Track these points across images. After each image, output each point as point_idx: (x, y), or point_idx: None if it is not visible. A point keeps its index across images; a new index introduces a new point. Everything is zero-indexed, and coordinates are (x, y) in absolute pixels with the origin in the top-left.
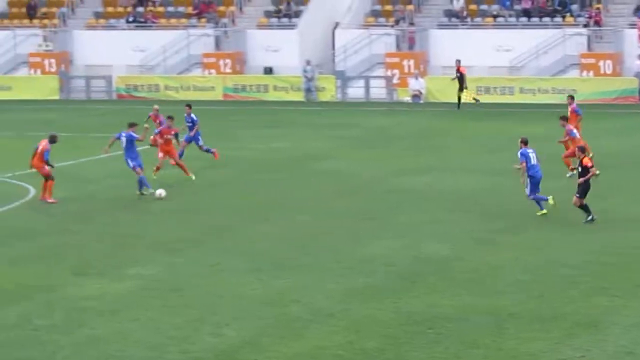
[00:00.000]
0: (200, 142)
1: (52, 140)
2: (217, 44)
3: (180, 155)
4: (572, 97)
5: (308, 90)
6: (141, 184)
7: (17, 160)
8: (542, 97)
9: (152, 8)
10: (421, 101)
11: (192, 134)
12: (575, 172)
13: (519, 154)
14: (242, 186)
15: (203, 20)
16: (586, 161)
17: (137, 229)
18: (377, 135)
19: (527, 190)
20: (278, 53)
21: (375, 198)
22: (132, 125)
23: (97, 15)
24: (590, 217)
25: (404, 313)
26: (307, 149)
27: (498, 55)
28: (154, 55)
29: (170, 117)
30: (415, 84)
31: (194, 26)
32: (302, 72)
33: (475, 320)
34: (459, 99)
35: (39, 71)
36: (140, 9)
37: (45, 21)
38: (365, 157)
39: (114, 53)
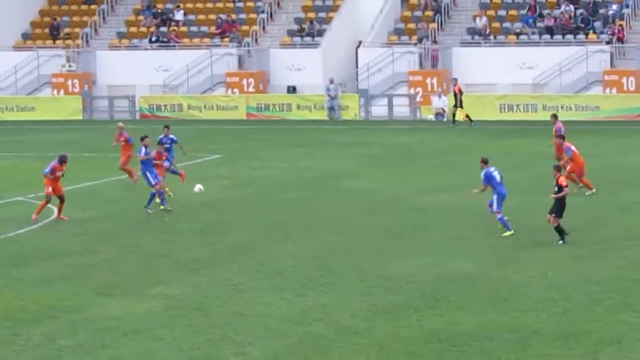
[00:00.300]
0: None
1: (62, 160)
2: (240, 63)
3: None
4: (555, 116)
5: (331, 109)
6: (162, 198)
7: (39, 181)
8: (566, 114)
9: (175, 28)
10: (444, 119)
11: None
12: (592, 190)
13: (482, 175)
14: (266, 205)
15: (226, 39)
16: (561, 180)
17: (160, 248)
18: (400, 153)
19: (495, 207)
20: (301, 72)
21: (399, 216)
22: (143, 138)
23: (120, 36)
24: (562, 240)
25: (428, 331)
26: (330, 168)
27: (521, 73)
28: (177, 75)
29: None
30: (438, 102)
31: (217, 45)
32: (326, 91)
33: (498, 337)
34: (454, 115)
35: (62, 92)
36: (163, 29)
37: (69, 42)
38: (388, 175)
39: (137, 73)
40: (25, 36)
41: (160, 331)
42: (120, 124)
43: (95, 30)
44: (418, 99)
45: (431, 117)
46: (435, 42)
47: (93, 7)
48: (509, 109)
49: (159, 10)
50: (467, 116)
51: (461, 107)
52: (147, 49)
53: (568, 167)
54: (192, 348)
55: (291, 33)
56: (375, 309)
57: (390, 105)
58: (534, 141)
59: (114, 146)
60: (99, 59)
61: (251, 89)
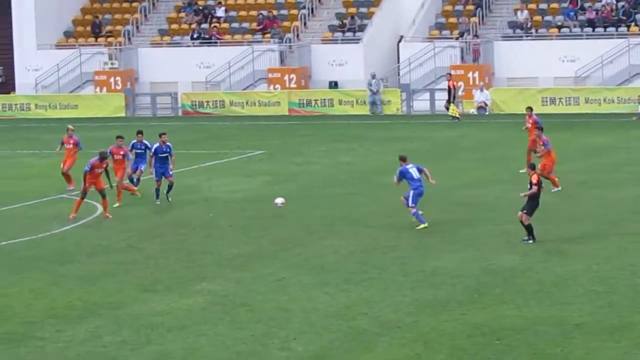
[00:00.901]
0: (142, 169)
1: (102, 157)
2: (282, 59)
3: (132, 180)
4: (530, 109)
5: (373, 104)
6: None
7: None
8: (608, 107)
9: (216, 24)
10: (486, 113)
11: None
12: (558, 188)
13: (397, 171)
14: (308, 201)
15: (267, 35)
16: (534, 178)
17: (203, 244)
18: (443, 147)
19: (410, 202)
20: (343, 67)
21: (442, 210)
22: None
23: (162, 33)
24: (529, 239)
25: (472, 325)
26: (372, 163)
27: (563, 66)
28: (219, 72)
29: (119, 137)
30: (480, 96)
31: (258, 42)
32: (367, 86)
33: (542, 330)
34: (447, 109)
35: (104, 89)
36: (204, 26)
37: (111, 39)
38: (431, 170)
39: (179, 70)
40: (68, 34)
41: (204, 327)
42: (71, 126)
43: (137, 27)
44: (460, 93)
45: (473, 111)
46: (476, 36)
47: (135, 4)
48: (551, 102)
49: (200, 7)
50: (456, 114)
51: (453, 103)
52: (188, 46)
53: (542, 160)
54: (236, 343)
55: (332, 28)
56: (418, 303)
57: (432, 100)
58: (577, 134)
59: (57, 152)
60: (141, 56)
61: (293, 85)
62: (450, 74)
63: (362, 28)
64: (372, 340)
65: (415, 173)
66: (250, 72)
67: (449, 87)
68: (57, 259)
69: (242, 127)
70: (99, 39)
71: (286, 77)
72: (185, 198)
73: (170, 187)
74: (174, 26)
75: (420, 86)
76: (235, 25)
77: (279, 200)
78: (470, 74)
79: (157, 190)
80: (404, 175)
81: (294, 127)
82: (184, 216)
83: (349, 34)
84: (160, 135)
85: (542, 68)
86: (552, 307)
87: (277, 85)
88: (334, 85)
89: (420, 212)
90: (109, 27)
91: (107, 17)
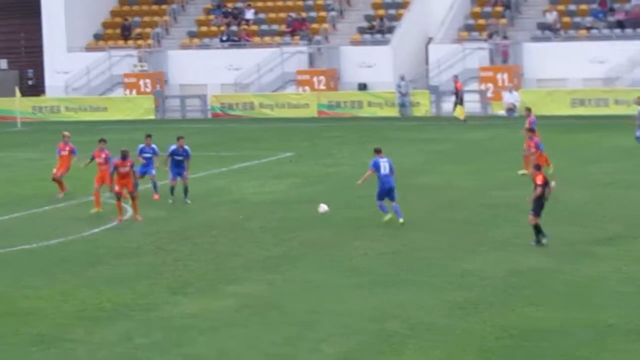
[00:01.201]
0: (153, 173)
1: (124, 156)
2: (311, 61)
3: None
4: (528, 110)
5: (402, 106)
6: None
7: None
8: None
9: (245, 27)
10: (516, 114)
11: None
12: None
13: (370, 162)
14: (338, 202)
15: (296, 37)
16: (539, 179)
17: (233, 246)
18: (472, 149)
19: (376, 195)
20: (372, 69)
21: (472, 212)
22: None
23: (191, 35)
24: (539, 241)
25: (502, 327)
26: (401, 164)
27: (592, 67)
28: (248, 74)
29: (102, 141)
30: (509, 98)
31: (287, 44)
32: (396, 88)
33: (573, 332)
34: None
35: (134, 92)
36: (233, 28)
37: (140, 42)
38: (460, 171)
39: (208, 72)
40: (97, 37)
41: (235, 329)
42: (67, 132)
43: (167, 30)
44: (489, 94)
45: (502, 112)
46: (505, 37)
47: (164, 7)
48: (580, 104)
49: (229, 10)
50: (460, 117)
51: (461, 104)
52: (218, 48)
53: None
54: (268, 346)
55: (361, 30)
56: (449, 305)
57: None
58: (606, 136)
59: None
60: (170, 59)
61: (322, 87)
62: (456, 76)
63: (390, 30)
64: (402, 342)
65: (385, 167)
66: (279, 74)
67: (455, 89)
68: (87, 261)
69: (271, 129)
70: (129, 42)
71: (315, 79)
72: (215, 200)
73: (186, 189)
74: (203, 28)
75: (449, 88)
76: (264, 27)
77: (323, 209)
78: (499, 76)
79: (172, 188)
80: (376, 166)
81: (323, 129)
82: (213, 218)
83: (377, 36)
84: (178, 139)
85: (572, 69)
86: (582, 309)
87: (306, 87)
88: (363, 87)
89: (383, 207)
90: (138, 30)
91: (137, 19)
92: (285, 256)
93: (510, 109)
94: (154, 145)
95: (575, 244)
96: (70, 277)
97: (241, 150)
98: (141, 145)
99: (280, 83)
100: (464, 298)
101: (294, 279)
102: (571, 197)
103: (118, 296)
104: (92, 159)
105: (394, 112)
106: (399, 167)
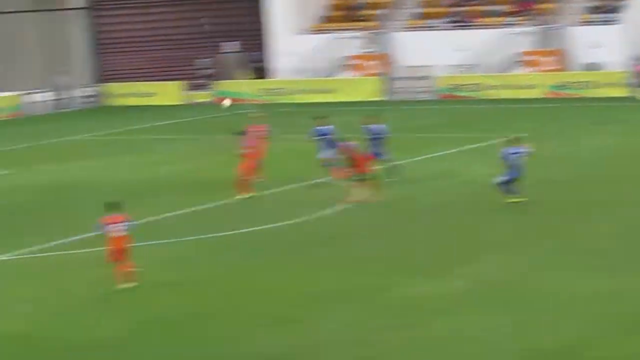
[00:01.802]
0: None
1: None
2: (539, 41)
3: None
4: None
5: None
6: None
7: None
8: None
9: (471, 7)
10: None
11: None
12: None
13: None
14: (569, 185)
15: (522, 18)
16: None
17: (467, 228)
18: None
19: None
20: (601, 49)
21: None
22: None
23: (417, 16)
24: None
25: None
26: (635, 145)
27: None
28: (474, 55)
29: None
30: None
31: (513, 24)
32: (628, 67)
33: None
34: None
35: (360, 73)
36: (459, 9)
37: (366, 23)
38: None
39: (434, 53)
40: (323, 19)
41: (468, 309)
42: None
43: (392, 11)
44: None
45: None
46: None
47: None
48: None
49: None
50: None
51: None
52: (443, 29)
53: None
54: (502, 326)
55: (590, 10)
56: None
57: None
58: None
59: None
60: (396, 40)
61: (550, 67)
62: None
63: (620, 9)
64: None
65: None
66: (506, 55)
67: (638, 72)
68: (320, 242)
69: (499, 110)
70: (355, 23)
71: (543, 60)
72: (441, 184)
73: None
74: (428, 9)
75: None
76: (490, 8)
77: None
78: None
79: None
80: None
81: (552, 109)
82: (439, 201)
83: (607, 15)
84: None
85: None
86: None
87: (534, 68)
88: (592, 67)
89: None
90: (364, 11)
91: (362, 1)
92: (517, 237)
93: None
94: (327, 127)
95: None
96: (304, 257)
97: (469, 131)
98: (318, 127)
99: (507, 64)
100: None
101: (527, 260)
102: None
103: (351, 276)
104: None
105: (625, 93)
106: (633, 148)
